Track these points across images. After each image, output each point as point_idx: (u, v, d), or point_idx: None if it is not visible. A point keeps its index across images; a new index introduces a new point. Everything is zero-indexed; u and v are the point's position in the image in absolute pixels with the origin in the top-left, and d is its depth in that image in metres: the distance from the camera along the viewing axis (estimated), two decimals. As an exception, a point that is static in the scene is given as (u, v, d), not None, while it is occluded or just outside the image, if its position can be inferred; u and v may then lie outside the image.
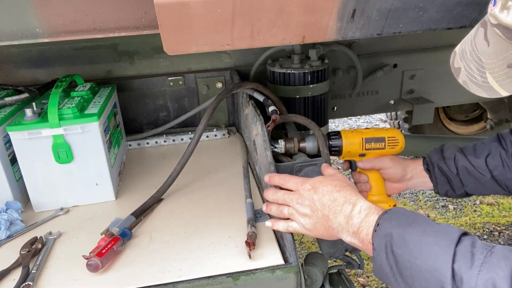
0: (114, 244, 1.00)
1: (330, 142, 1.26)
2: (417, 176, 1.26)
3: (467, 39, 0.77)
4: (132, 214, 1.16)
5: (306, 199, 0.93)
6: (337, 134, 1.27)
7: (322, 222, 0.91)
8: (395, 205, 1.27)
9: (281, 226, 0.98)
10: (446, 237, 0.72)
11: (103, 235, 1.06)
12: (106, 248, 0.98)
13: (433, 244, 0.72)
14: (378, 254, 0.79)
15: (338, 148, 1.26)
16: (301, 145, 1.28)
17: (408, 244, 0.75)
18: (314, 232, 0.94)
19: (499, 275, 0.65)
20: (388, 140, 1.25)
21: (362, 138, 1.25)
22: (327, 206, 0.89)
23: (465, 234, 0.73)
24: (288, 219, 0.98)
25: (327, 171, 1.04)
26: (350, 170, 1.34)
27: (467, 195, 1.22)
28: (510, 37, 0.64)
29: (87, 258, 0.97)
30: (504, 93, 0.68)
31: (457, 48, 0.80)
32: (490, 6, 0.67)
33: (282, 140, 1.27)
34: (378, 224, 0.80)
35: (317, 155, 1.28)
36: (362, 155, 1.27)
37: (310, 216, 0.92)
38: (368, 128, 1.27)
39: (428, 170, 1.24)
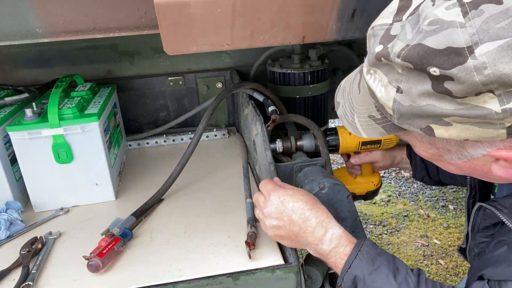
0: (114, 245, 1.00)
1: (327, 139, 1.27)
2: (401, 162, 1.38)
3: (350, 78, 0.83)
4: (132, 214, 1.16)
5: (273, 211, 0.92)
6: (334, 131, 1.28)
7: (290, 235, 0.91)
8: (376, 184, 1.41)
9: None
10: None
11: (104, 236, 1.06)
12: (107, 249, 0.98)
13: None
14: None
15: (335, 146, 1.29)
16: (299, 143, 1.29)
17: None
18: (279, 240, 0.96)
19: None
20: (384, 141, 1.28)
21: (359, 142, 1.29)
22: (298, 224, 0.89)
23: (418, 275, 0.81)
24: None
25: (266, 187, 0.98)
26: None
27: (441, 183, 1.33)
28: (371, 94, 0.71)
29: (87, 259, 0.97)
30: (364, 135, 0.78)
31: (342, 83, 0.86)
32: (365, 59, 0.73)
33: (279, 140, 1.27)
34: (350, 267, 0.83)
35: (316, 153, 1.29)
36: (357, 152, 1.34)
37: (277, 227, 0.92)
38: None
39: (410, 156, 1.34)
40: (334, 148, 1.29)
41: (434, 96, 0.60)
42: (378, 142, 1.28)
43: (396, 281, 0.79)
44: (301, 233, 0.89)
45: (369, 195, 1.43)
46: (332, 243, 0.87)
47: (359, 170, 1.39)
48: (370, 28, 0.70)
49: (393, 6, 0.67)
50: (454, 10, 0.56)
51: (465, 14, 0.55)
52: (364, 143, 1.28)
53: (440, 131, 0.63)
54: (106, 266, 0.97)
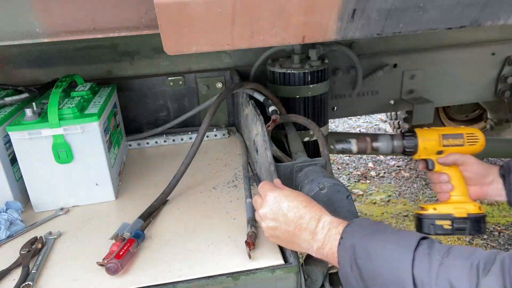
0: (130, 246, 1.00)
1: (405, 142, 1.19)
2: (496, 181, 1.15)
3: None
4: (140, 217, 1.16)
5: (268, 212, 0.91)
6: (412, 132, 1.20)
7: (286, 236, 0.90)
8: (479, 207, 1.17)
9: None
10: (405, 243, 0.74)
11: (114, 241, 1.06)
12: (123, 250, 0.98)
13: (393, 251, 0.74)
14: (343, 267, 0.80)
15: (413, 148, 1.19)
16: (374, 144, 1.22)
17: (370, 255, 0.76)
18: (277, 242, 0.95)
19: (455, 275, 0.67)
20: (467, 136, 1.17)
21: (439, 135, 1.18)
22: (293, 223, 0.88)
23: (424, 238, 0.74)
24: None
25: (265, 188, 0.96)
26: (426, 170, 1.25)
27: None
28: None
29: (102, 264, 0.97)
30: None
31: None
32: None
33: (354, 140, 1.22)
34: (341, 238, 0.80)
35: (317, 153, 1.28)
36: (440, 152, 1.20)
37: (273, 228, 0.91)
38: (443, 127, 1.21)
39: (503, 176, 1.15)
40: (413, 150, 1.19)
41: None
42: (460, 136, 1.16)
43: (394, 237, 0.75)
44: (296, 232, 0.88)
45: (474, 224, 1.16)
46: (324, 229, 0.85)
47: (448, 181, 1.17)
48: None
49: None
50: None
51: None
52: (445, 136, 1.17)
53: None
54: (124, 267, 0.97)
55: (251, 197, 1.22)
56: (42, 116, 1.21)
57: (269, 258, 0.98)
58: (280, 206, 0.90)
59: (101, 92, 1.45)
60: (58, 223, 1.20)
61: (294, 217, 0.88)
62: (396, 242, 0.75)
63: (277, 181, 1.03)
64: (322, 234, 0.85)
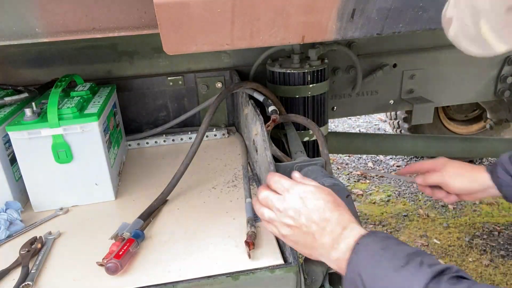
0: (129, 246, 1.00)
1: None
2: (486, 179, 1.12)
3: None
4: (139, 217, 1.16)
5: (290, 209, 0.82)
6: None
7: (305, 239, 0.82)
8: None
9: (266, 227, 0.90)
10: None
11: (114, 240, 1.06)
12: (123, 250, 0.98)
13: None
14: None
15: None
16: None
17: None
18: (294, 246, 0.87)
19: None
20: None
21: None
22: (316, 223, 0.80)
23: (434, 276, 0.66)
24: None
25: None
26: None
27: None
28: None
29: (102, 264, 0.97)
30: (499, 48, 0.56)
31: None
32: None
33: None
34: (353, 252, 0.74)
35: (317, 153, 1.28)
36: None
37: (291, 227, 0.83)
38: None
39: (491, 172, 1.11)
40: None
41: None
42: None
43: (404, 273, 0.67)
44: (317, 235, 0.80)
45: None
46: (348, 239, 0.77)
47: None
48: None
49: None
50: None
51: None
52: None
53: None
54: (124, 267, 0.97)
55: (251, 197, 1.22)
56: (41, 116, 1.21)
57: (268, 258, 0.98)
58: (306, 204, 0.81)
59: (100, 92, 1.45)
60: (58, 223, 1.20)
61: (318, 219, 0.80)
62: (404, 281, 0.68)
63: (297, 174, 0.94)
64: (344, 244, 0.77)
